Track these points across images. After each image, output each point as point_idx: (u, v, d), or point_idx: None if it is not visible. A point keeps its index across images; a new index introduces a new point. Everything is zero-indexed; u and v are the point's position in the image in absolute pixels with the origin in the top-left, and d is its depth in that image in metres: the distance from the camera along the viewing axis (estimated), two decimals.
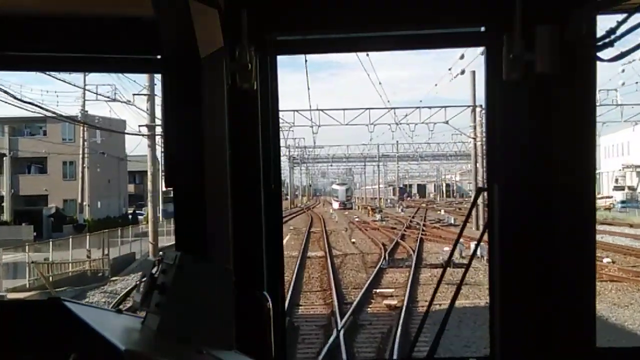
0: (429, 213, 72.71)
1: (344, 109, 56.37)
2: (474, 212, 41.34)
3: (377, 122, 57.54)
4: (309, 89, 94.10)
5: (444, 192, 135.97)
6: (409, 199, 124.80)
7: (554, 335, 2.71)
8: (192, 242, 2.62)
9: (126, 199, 79.51)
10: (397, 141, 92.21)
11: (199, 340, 1.99)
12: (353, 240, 43.21)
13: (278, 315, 2.91)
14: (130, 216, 70.48)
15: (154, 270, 2.07)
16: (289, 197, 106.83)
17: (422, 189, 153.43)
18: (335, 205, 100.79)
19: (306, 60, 39.99)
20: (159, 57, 2.86)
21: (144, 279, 2.10)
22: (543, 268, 2.71)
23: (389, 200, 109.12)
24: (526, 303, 2.76)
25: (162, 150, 2.92)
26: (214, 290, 2.12)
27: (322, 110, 55.11)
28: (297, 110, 54.92)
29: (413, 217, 63.48)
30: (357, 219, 67.17)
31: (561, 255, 2.70)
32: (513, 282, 2.79)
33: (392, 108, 55.06)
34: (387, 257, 30.98)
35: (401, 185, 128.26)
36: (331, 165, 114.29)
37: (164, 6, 2.43)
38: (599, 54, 2.66)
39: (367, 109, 55.54)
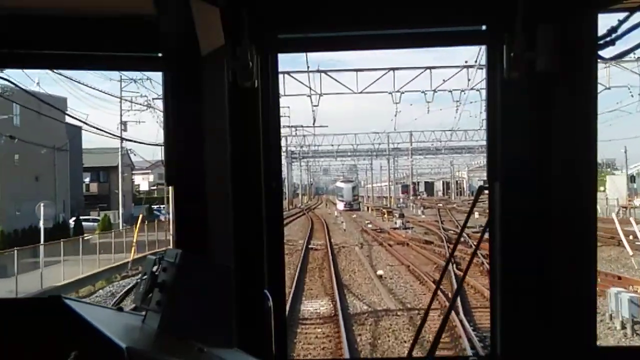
0: (456, 216, 58.09)
1: (356, 70, 38.56)
2: None
3: (407, 89, 40.50)
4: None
5: (455, 190, 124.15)
6: (419, 197, 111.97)
7: (554, 334, 2.73)
8: (193, 240, 2.59)
9: (67, 202, 58.77)
10: (411, 131, 78.99)
11: (200, 338, 1.99)
12: (379, 272, 26.11)
13: (279, 313, 2.90)
14: (74, 224, 52.10)
15: (154, 269, 2.07)
16: (287, 196, 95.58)
17: (429, 186, 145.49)
18: (340, 206, 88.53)
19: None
20: (160, 55, 2.86)
21: (144, 277, 2.09)
22: (544, 267, 2.72)
23: (401, 200, 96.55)
24: (526, 302, 2.76)
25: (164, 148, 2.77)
26: (215, 289, 2.13)
27: (324, 72, 37.54)
28: (288, 73, 37.20)
29: (442, 223, 48.80)
30: (370, 225, 52.35)
31: (562, 254, 2.71)
32: (514, 281, 2.79)
33: (427, 68, 38.15)
34: (469, 332, 14.67)
35: (408, 183, 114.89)
36: (336, 159, 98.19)
37: (165, 4, 2.43)
38: (600, 53, 2.68)
39: (391, 69, 38.37)
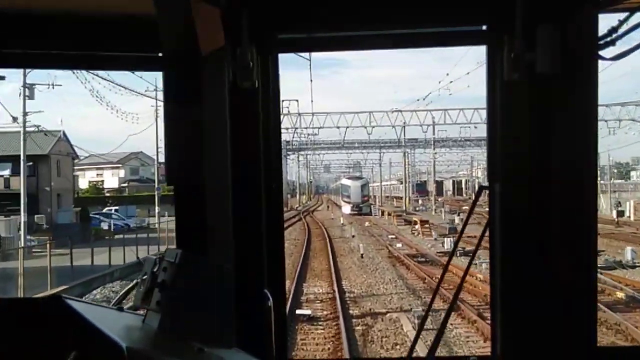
0: None
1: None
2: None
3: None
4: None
5: (464, 189, 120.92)
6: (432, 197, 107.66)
7: (554, 335, 2.74)
8: (193, 240, 2.61)
9: None
10: (433, 119, 66.59)
11: (200, 338, 2.00)
12: None
13: (279, 313, 2.93)
14: None
15: (154, 268, 2.09)
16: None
17: (438, 186, 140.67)
18: (347, 209, 73.63)
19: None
20: (160, 55, 2.87)
21: (144, 277, 2.11)
22: (543, 267, 2.74)
23: (420, 202, 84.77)
24: (526, 303, 2.78)
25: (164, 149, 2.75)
26: (215, 288, 2.15)
27: None
28: None
29: None
30: (399, 245, 35.10)
31: (562, 254, 2.72)
32: (514, 281, 2.81)
33: None
34: None
35: (419, 182, 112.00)
36: (342, 145, 78.30)
37: (165, 4, 2.45)
38: (601, 53, 2.70)
39: None
